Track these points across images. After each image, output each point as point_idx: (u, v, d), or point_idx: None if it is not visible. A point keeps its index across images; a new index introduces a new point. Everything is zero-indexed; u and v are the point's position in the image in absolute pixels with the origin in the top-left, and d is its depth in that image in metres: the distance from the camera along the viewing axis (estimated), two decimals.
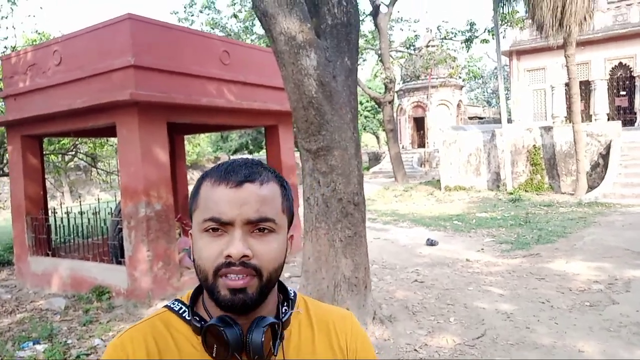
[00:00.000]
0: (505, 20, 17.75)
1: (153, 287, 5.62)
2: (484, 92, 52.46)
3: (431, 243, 8.41)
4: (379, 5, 18.00)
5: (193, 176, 28.70)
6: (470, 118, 33.36)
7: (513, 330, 4.33)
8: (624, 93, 21.37)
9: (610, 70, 20.68)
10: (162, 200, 5.77)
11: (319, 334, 0.91)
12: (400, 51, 21.45)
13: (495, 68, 29.67)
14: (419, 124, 28.58)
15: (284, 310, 0.87)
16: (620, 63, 20.46)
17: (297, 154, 5.97)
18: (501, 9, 15.29)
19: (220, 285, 0.78)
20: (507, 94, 21.93)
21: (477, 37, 18.88)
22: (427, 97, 26.74)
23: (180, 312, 0.86)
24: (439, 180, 17.60)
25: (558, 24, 12.25)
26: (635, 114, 20.35)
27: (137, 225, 5.63)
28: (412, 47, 21.60)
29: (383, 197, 16.36)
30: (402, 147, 25.74)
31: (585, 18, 12.30)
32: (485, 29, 18.59)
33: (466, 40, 19.31)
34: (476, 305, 5.06)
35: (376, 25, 18.21)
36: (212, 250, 0.78)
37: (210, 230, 0.79)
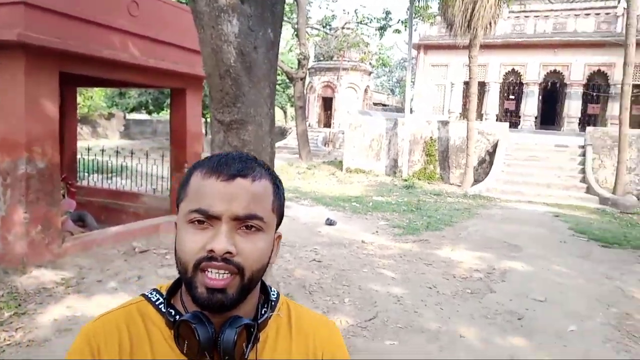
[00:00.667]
0: (419, 14, 18.42)
1: (28, 252, 5.06)
2: (389, 80, 54.50)
3: (330, 223, 8.59)
4: None
5: (82, 132, 26.35)
6: (375, 104, 34.50)
7: (402, 314, 4.57)
8: (512, 97, 23.43)
9: (504, 75, 22.52)
10: (47, 157, 5.17)
11: (296, 340, 0.88)
12: (316, 29, 21.38)
13: (403, 59, 30.76)
14: (327, 104, 28.93)
15: (263, 312, 0.84)
16: (513, 69, 22.34)
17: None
18: (417, 2, 15.80)
19: (199, 281, 0.75)
20: (411, 85, 22.92)
21: (390, 26, 19.39)
22: (338, 78, 27.10)
23: (157, 303, 0.84)
24: (341, 161, 18.03)
25: (467, 24, 12.98)
26: (520, 117, 22.44)
27: (14, 184, 5.00)
28: (328, 27, 21.63)
29: (287, 173, 16.36)
30: (309, 125, 25.91)
31: (490, 23, 13.16)
32: (399, 20, 19.15)
33: (380, 28, 19.76)
34: (370, 287, 5.26)
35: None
36: (195, 243, 0.75)
37: (196, 222, 0.76)
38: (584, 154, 13.83)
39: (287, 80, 24.18)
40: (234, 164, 0.78)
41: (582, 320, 4.70)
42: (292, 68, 20.17)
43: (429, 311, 4.67)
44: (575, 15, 21.94)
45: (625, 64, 12.40)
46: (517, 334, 4.26)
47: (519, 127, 21.63)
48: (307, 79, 30.29)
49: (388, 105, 38.05)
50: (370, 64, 27.53)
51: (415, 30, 21.05)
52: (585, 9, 22.72)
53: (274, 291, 0.90)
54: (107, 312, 0.84)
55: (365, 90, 29.31)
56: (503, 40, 21.71)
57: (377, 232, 8.23)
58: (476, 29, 13.00)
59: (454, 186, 14.65)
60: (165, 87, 7.53)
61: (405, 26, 19.07)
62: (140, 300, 0.85)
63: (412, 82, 23.98)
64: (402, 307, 4.73)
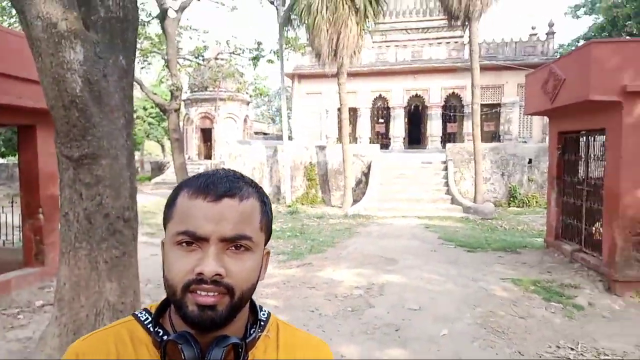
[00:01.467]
0: (290, 45, 19.00)
1: None
2: (269, 109, 55.25)
3: None
4: (167, 9, 17.31)
5: None
6: (256, 133, 34.61)
7: None
8: (382, 121, 25.08)
9: (373, 100, 24.06)
10: None
11: None
12: (188, 59, 20.93)
13: (280, 88, 31.32)
14: (206, 135, 28.31)
15: (251, 332, 0.84)
16: (380, 95, 23.99)
17: None
18: (286, 33, 16.29)
19: (189, 301, 0.75)
20: (289, 113, 23.45)
21: (263, 56, 19.70)
22: (215, 109, 26.73)
23: (146, 322, 0.84)
24: None
25: (333, 54, 13.65)
26: (390, 139, 24.03)
27: None
28: (200, 57, 21.32)
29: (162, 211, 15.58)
30: (189, 158, 25.07)
31: (355, 52, 13.99)
32: (271, 50, 19.55)
33: (253, 58, 19.96)
34: None
35: (163, 29, 17.43)
36: (184, 265, 0.75)
37: (184, 244, 0.76)
38: (446, 169, 15.15)
39: (162, 113, 23.28)
40: (221, 184, 0.78)
41: (452, 323, 5.01)
42: (165, 100, 19.46)
43: None
44: (430, 44, 24.34)
45: (472, 86, 13.96)
46: (395, 345, 4.40)
47: (390, 148, 23.15)
48: (184, 111, 29.45)
49: (269, 134, 38.40)
50: (247, 93, 27.67)
51: (287, 60, 21.67)
52: (437, 38, 25.35)
53: (265, 311, 0.90)
54: (96, 331, 0.84)
55: (245, 120, 29.27)
56: (369, 68, 23.27)
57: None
58: (342, 58, 13.73)
59: (336, 208, 15.10)
60: (10, 124, 6.74)
61: (278, 56, 19.55)
62: (129, 320, 0.85)
63: (289, 110, 24.55)
64: None
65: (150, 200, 18.52)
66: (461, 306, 5.54)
